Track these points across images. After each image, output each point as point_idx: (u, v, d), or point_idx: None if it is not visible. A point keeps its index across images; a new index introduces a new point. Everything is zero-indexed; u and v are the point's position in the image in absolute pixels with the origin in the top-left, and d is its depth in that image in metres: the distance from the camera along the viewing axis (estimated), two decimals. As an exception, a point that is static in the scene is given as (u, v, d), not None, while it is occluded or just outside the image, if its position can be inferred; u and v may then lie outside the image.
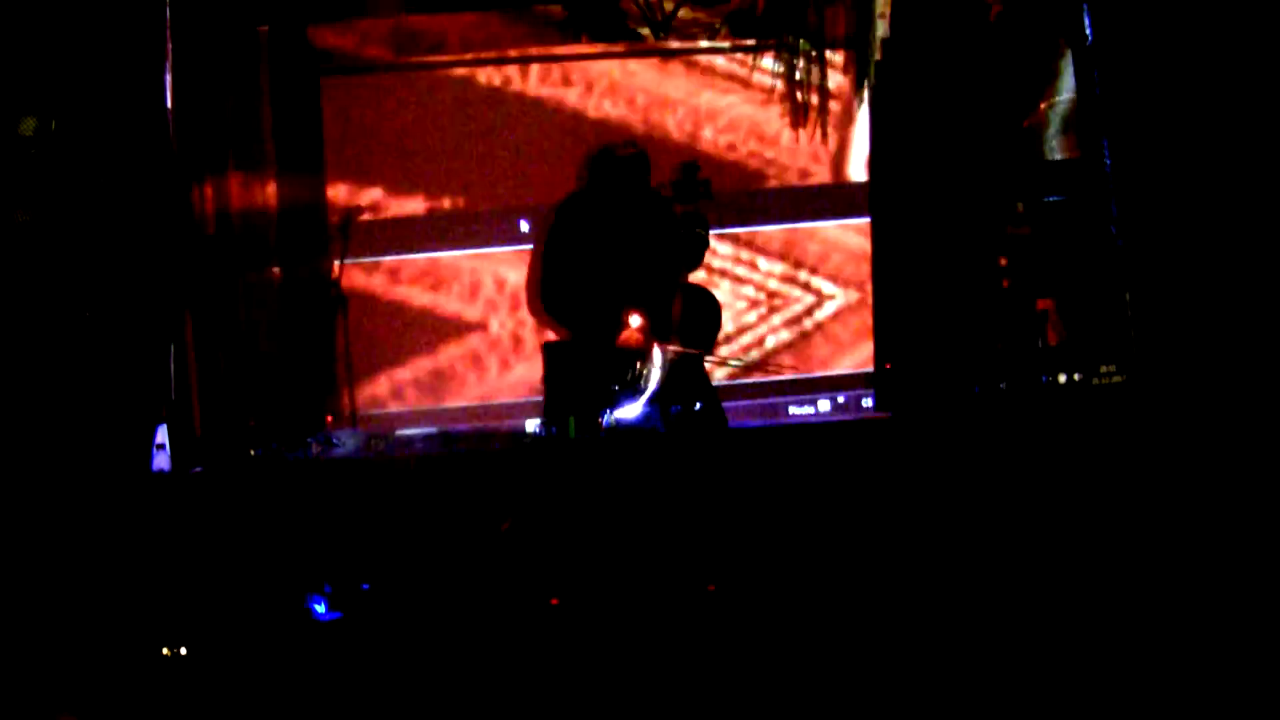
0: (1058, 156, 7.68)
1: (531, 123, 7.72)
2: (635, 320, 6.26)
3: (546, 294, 6.45)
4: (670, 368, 6.25)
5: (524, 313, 7.08)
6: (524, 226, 7.67)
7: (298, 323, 7.66)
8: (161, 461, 5.95)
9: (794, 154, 7.76)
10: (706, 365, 6.52)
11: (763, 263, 7.90)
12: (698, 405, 6.31)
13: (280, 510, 6.15)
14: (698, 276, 6.56)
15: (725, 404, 6.50)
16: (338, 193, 7.67)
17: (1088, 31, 6.47)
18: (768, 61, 7.50)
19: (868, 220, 7.56)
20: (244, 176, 7.71)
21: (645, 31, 7.92)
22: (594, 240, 6.36)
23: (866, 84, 7.57)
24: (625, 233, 6.38)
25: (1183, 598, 4.98)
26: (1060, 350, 6.69)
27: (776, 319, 7.90)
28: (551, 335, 6.54)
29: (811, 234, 7.92)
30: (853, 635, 5.22)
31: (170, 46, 5.88)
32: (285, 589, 5.56)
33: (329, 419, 7.47)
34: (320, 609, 5.55)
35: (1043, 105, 7.66)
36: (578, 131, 7.45)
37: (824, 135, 7.58)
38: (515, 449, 7.58)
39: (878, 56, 7.45)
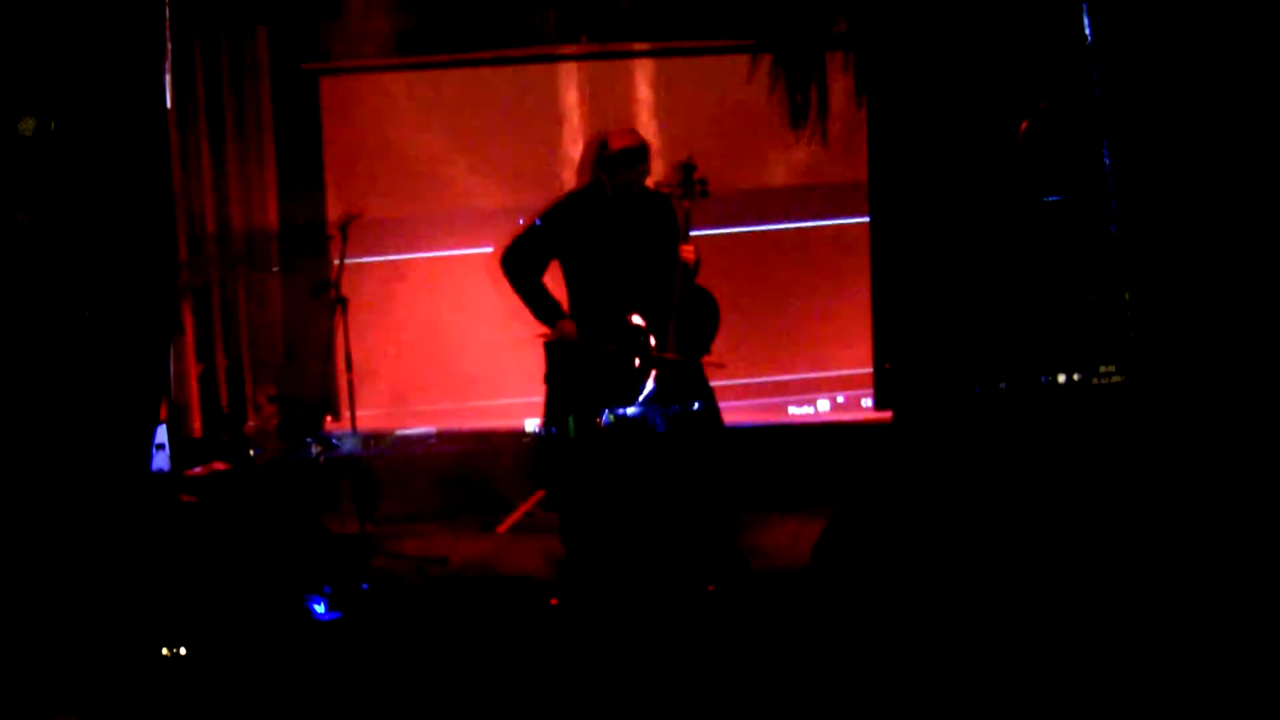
0: (1057, 157, 7.68)
1: (531, 122, 7.72)
2: (637, 319, 6.27)
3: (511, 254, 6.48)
4: (669, 368, 6.25)
5: (525, 312, 7.05)
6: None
7: (298, 323, 7.68)
8: (161, 461, 5.96)
9: (793, 154, 7.75)
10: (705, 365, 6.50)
11: (762, 263, 7.90)
12: (696, 405, 6.31)
13: (280, 510, 6.16)
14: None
15: (724, 404, 6.50)
16: (337, 192, 7.67)
17: (1087, 31, 6.46)
18: (767, 62, 7.49)
19: (868, 220, 7.56)
20: (244, 176, 7.72)
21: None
22: (593, 236, 6.36)
23: (866, 84, 7.56)
24: (625, 230, 6.38)
25: (1182, 597, 4.98)
26: (1060, 350, 6.69)
27: (775, 319, 7.89)
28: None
29: (811, 234, 7.92)
30: (852, 635, 5.22)
31: (170, 46, 5.88)
32: (285, 589, 5.56)
33: (329, 419, 7.48)
34: (320, 609, 5.55)
35: (1042, 105, 7.66)
36: (577, 131, 7.45)
37: (823, 135, 7.57)
38: (515, 449, 7.61)
39: (877, 57, 7.46)
